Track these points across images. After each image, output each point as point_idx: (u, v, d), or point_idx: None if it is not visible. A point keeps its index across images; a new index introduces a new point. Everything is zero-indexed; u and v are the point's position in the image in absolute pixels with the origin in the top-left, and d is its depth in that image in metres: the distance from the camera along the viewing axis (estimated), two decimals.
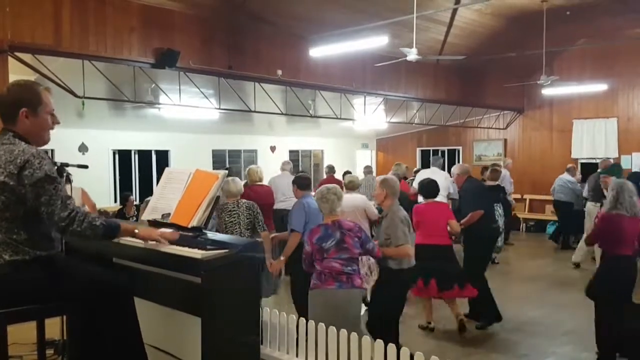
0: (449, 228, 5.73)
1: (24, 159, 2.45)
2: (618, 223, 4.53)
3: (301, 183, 5.56)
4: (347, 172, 9.97)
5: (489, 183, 8.44)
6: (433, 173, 8.66)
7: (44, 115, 2.64)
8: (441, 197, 7.53)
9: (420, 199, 6.55)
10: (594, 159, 13.07)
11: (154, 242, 2.93)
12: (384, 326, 4.45)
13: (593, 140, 13.33)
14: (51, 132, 2.75)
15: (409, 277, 4.77)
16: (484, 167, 10.73)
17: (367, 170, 11.02)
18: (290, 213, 5.49)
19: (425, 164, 14.36)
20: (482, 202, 6.19)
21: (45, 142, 2.72)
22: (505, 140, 15.06)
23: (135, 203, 8.73)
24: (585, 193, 9.75)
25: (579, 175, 11.37)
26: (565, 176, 11.00)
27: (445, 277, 5.54)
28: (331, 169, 11.19)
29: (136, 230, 2.87)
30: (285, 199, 7.86)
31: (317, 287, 4.16)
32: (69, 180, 3.23)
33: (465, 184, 6.36)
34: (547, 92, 11.89)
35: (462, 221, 5.95)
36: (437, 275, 5.51)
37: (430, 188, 5.98)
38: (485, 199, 6.39)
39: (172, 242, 2.93)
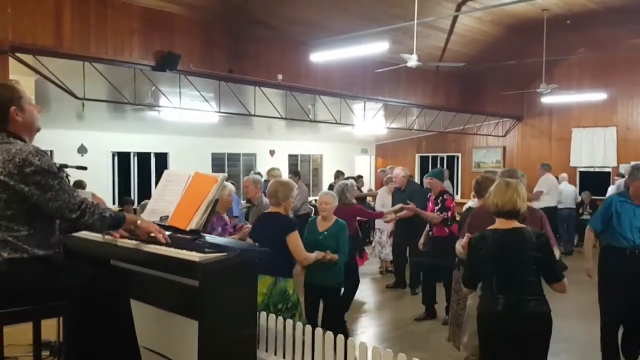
0: None
1: (22, 158, 2.46)
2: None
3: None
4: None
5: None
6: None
7: (28, 107, 2.67)
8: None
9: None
10: (593, 167, 13.09)
11: (152, 246, 2.93)
12: None
13: (592, 148, 13.37)
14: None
15: None
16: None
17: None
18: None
19: (424, 170, 14.37)
20: None
21: (39, 128, 2.74)
22: (504, 147, 15.09)
23: (132, 207, 8.70)
24: None
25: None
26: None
27: None
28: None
29: (138, 222, 2.92)
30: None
31: None
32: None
33: None
34: (547, 100, 11.91)
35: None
36: None
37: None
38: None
39: (168, 245, 2.93)
